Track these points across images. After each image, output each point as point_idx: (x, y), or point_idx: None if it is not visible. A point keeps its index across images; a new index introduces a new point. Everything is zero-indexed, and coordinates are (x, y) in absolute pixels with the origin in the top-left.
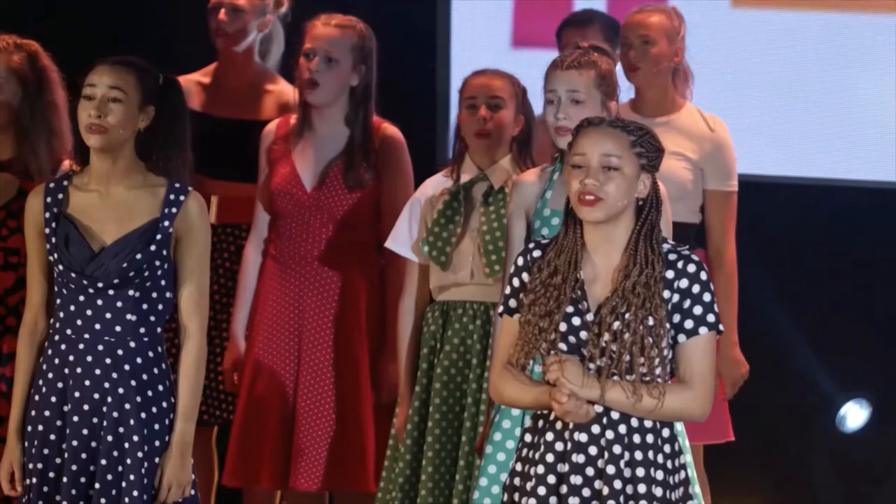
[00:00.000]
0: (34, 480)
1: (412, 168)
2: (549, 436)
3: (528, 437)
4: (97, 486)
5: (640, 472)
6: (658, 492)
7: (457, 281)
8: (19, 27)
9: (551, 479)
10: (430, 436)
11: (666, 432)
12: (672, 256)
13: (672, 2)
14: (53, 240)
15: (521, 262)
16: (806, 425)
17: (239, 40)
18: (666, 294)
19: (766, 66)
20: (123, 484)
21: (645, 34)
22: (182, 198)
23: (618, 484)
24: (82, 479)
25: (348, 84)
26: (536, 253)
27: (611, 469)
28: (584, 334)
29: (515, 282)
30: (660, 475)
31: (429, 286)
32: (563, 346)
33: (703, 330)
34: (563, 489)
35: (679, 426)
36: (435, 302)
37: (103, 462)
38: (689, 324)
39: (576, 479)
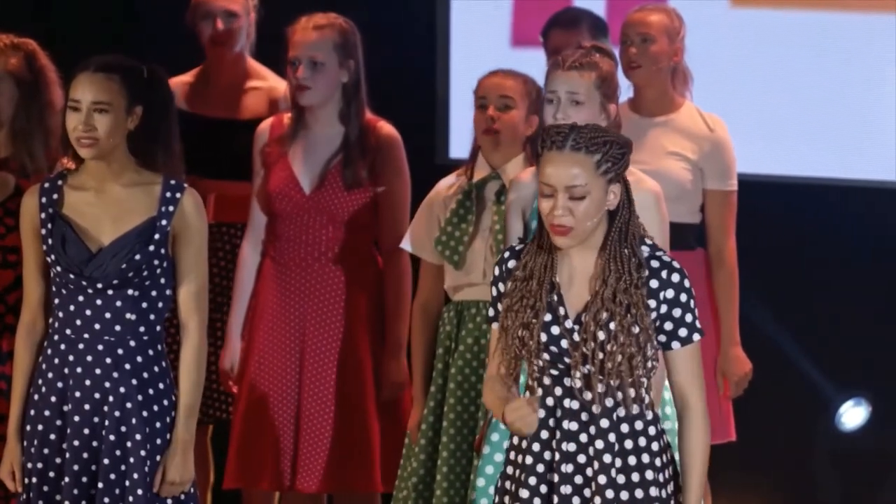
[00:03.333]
0: (34, 480)
1: (410, 167)
2: (536, 446)
3: (515, 441)
4: (100, 485)
5: (636, 476)
6: (654, 492)
7: (470, 281)
8: (17, 25)
9: (543, 488)
10: (445, 436)
11: (652, 430)
12: (654, 264)
13: (671, 1)
14: (50, 240)
15: (497, 271)
16: (805, 425)
17: (236, 44)
18: (651, 303)
19: (764, 66)
20: (126, 483)
21: (645, 32)
22: (178, 195)
23: (610, 493)
24: (84, 479)
25: (339, 82)
26: (511, 263)
27: (602, 479)
28: (564, 343)
29: (494, 291)
30: (651, 475)
31: (442, 286)
32: (545, 356)
33: (695, 337)
34: (555, 499)
35: (668, 424)
36: (450, 302)
37: (106, 461)
38: (682, 332)
39: (565, 489)
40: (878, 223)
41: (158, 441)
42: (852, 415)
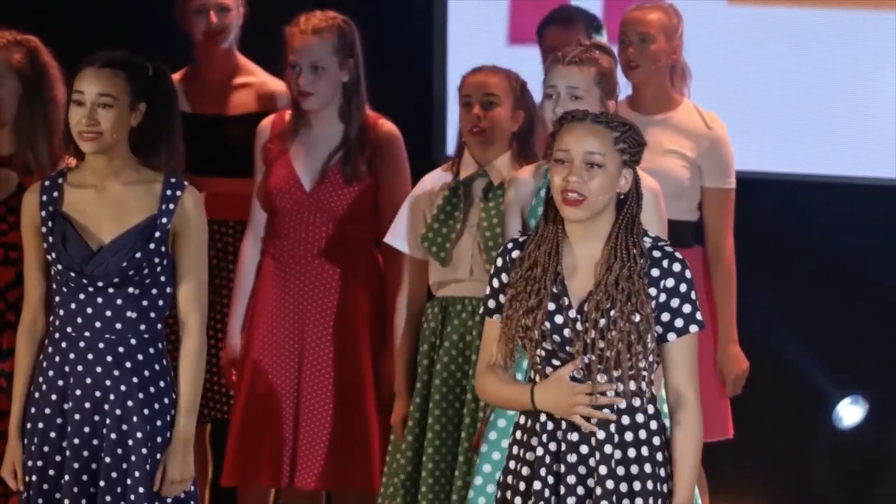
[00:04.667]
0: (34, 478)
1: (409, 164)
2: (545, 437)
3: (518, 435)
4: (102, 483)
5: (635, 469)
6: (650, 485)
7: (456, 277)
8: (19, 21)
9: (550, 479)
10: (430, 432)
11: (654, 424)
12: (657, 254)
13: None
14: (50, 239)
15: (499, 262)
16: (803, 423)
17: (228, 37)
18: (652, 292)
19: (761, 63)
20: (127, 481)
21: (644, 31)
22: (178, 193)
23: (610, 484)
24: (84, 477)
25: (340, 82)
26: (515, 253)
27: (603, 469)
28: (567, 332)
29: (495, 282)
30: (650, 468)
31: (427, 282)
32: (548, 345)
33: (693, 328)
34: (562, 489)
35: (668, 421)
36: (434, 298)
37: (107, 459)
38: (679, 322)
39: (571, 479)
40: (876, 220)
41: (159, 439)
42: (850, 412)
